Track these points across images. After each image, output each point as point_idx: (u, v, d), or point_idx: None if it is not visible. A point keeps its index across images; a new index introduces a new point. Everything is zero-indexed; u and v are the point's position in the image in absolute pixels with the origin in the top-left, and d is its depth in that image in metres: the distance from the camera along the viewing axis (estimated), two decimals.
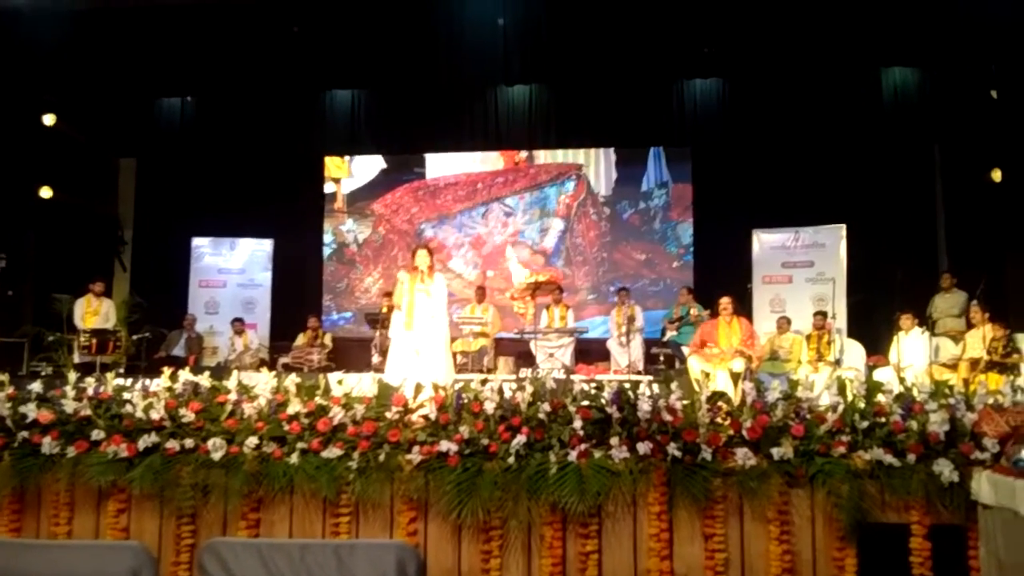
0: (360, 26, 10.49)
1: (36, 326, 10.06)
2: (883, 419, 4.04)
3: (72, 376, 4.62)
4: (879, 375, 7.11)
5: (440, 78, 11.12)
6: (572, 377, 7.53)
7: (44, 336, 9.77)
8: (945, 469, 3.77)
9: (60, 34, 9.82)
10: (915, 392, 4.21)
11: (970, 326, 8.35)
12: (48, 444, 4.23)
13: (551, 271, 11.10)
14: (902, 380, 4.45)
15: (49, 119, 10.35)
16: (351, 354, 10.43)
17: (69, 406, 4.39)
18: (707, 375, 7.71)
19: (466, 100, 11.83)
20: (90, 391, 4.49)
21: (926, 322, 8.54)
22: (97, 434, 4.26)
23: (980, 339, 7.94)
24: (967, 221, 10.26)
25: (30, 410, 4.37)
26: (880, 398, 4.17)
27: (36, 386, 4.59)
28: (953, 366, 8.10)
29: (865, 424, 4.01)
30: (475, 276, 11.92)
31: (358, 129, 12.05)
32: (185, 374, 4.65)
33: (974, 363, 7.86)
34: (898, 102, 10.97)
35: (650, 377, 7.82)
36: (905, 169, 10.81)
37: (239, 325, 10.48)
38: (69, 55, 10.20)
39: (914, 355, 8.31)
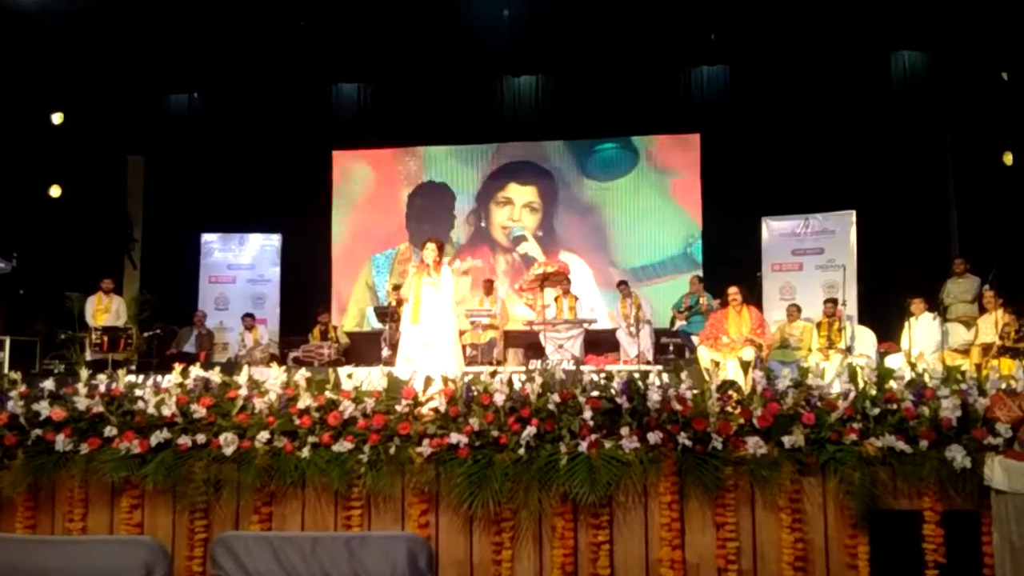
0: (366, 19, 10.50)
1: (48, 324, 10.13)
2: (895, 406, 4.02)
3: (84, 373, 4.65)
4: (890, 362, 7.07)
5: (446, 70, 11.13)
6: (582, 368, 7.48)
7: (56, 334, 9.82)
8: (957, 455, 3.75)
9: (66, 33, 9.85)
10: (927, 378, 4.18)
11: (983, 311, 8.29)
12: (61, 441, 4.26)
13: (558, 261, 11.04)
14: (913, 366, 4.41)
15: (57, 118, 10.38)
16: (361, 348, 10.46)
17: (82, 403, 4.41)
18: (717, 364, 7.77)
19: (472, 92, 11.81)
20: (102, 388, 4.51)
21: (938, 308, 8.48)
22: (110, 431, 4.28)
23: (993, 324, 7.89)
24: (979, 205, 10.17)
25: (43, 408, 4.40)
26: (892, 385, 4.14)
27: (49, 384, 4.61)
28: (965, 352, 8.05)
29: (876, 411, 3.99)
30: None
31: (365, 122, 12.06)
32: (196, 370, 4.66)
33: (986, 348, 7.81)
34: (908, 86, 10.91)
35: (660, 367, 7.80)
36: (915, 154, 10.71)
37: (249, 320, 10.52)
38: (76, 53, 10.24)
39: (925, 341, 8.27)
